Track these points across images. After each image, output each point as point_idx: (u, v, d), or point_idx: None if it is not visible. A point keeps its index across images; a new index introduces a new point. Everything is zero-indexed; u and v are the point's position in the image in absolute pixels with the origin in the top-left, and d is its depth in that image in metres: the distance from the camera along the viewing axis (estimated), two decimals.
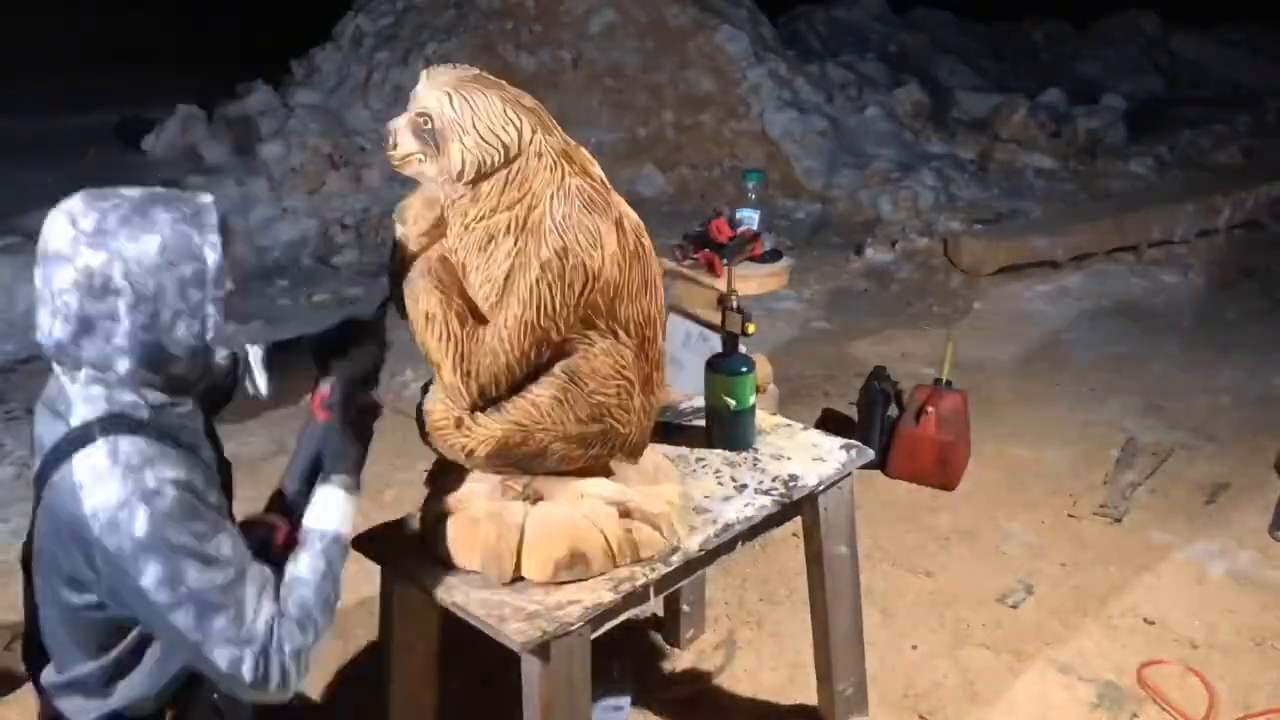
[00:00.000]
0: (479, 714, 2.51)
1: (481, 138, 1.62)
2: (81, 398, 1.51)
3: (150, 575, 1.39)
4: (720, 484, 2.13)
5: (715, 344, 2.52)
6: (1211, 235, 6.46)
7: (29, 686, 2.65)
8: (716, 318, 2.52)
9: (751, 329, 2.32)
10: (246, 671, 1.41)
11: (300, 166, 6.77)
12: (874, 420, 3.71)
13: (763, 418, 2.36)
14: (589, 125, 7.65)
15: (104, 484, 1.41)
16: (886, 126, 8.30)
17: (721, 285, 3.35)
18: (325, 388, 1.66)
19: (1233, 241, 6.48)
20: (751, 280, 3.41)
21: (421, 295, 1.67)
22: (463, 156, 1.63)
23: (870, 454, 2.28)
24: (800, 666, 2.66)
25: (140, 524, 1.38)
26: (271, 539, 1.57)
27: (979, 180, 7.63)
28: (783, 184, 7.48)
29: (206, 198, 1.53)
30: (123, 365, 1.48)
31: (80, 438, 1.47)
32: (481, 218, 1.67)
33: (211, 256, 1.47)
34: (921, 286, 5.77)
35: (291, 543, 1.56)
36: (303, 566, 1.52)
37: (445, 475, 1.93)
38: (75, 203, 1.50)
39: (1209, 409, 4.25)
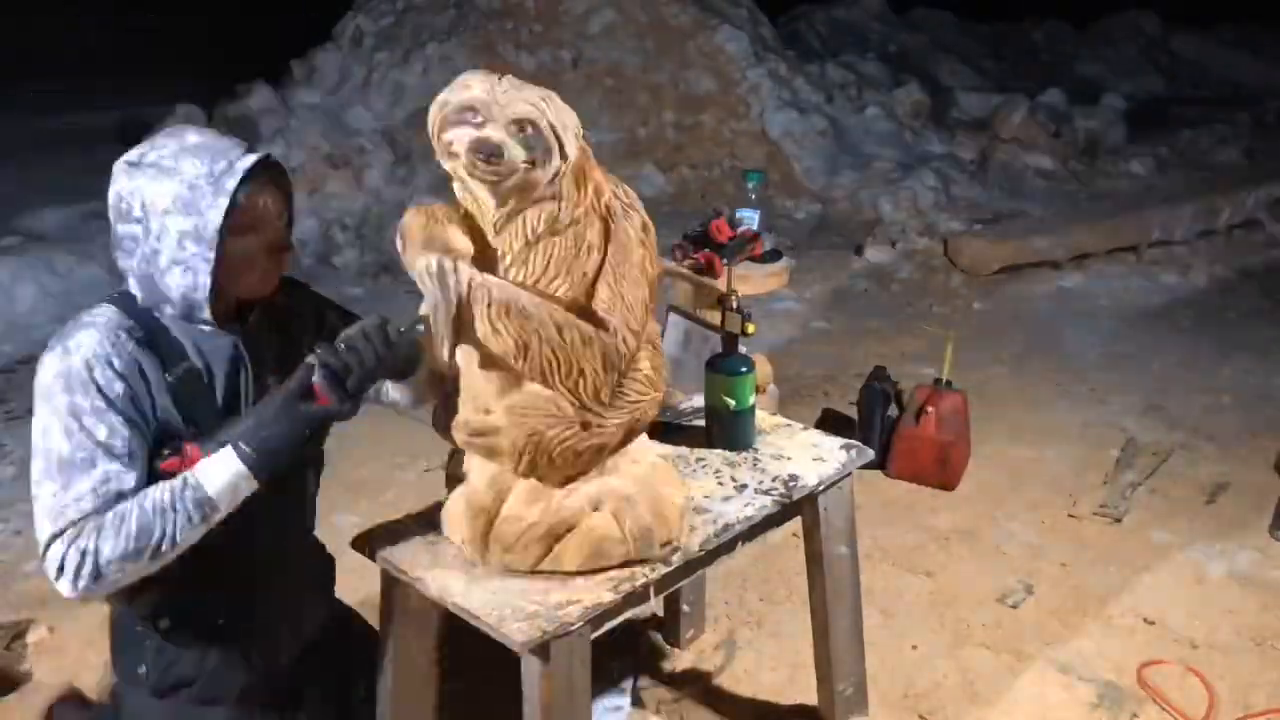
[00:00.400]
0: (479, 714, 2.52)
1: (576, 135, 1.64)
2: None
3: (36, 415, 1.66)
4: (720, 484, 2.13)
5: (715, 344, 2.52)
6: (1211, 235, 6.47)
7: (29, 686, 2.66)
8: (716, 318, 2.52)
9: (751, 329, 2.32)
10: (41, 541, 1.60)
11: (300, 166, 6.77)
12: (874, 420, 3.71)
13: (763, 418, 2.36)
14: (589, 125, 7.56)
15: (62, 329, 1.67)
16: (886, 126, 8.30)
17: (722, 285, 3.35)
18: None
19: (1232, 241, 6.49)
20: (751, 280, 3.41)
21: (544, 308, 1.64)
22: (565, 158, 1.63)
23: (870, 454, 2.28)
24: (800, 666, 2.66)
25: (46, 369, 1.65)
26: (179, 455, 1.63)
27: (979, 180, 7.62)
28: (783, 184, 7.48)
29: (248, 159, 1.63)
30: (131, 285, 1.67)
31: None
32: (562, 220, 1.67)
33: (214, 217, 1.59)
34: (921, 286, 5.77)
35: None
36: (155, 491, 1.59)
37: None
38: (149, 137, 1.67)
39: (1209, 409, 4.25)
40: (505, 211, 1.66)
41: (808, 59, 8.88)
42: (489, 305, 1.61)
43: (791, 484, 2.13)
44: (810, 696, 2.49)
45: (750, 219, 3.58)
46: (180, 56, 10.72)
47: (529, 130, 1.60)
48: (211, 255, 1.61)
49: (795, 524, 2.25)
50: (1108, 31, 11.33)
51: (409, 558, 1.88)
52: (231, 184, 1.60)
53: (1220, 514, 3.45)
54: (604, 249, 1.71)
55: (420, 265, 1.62)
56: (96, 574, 1.56)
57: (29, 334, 4.87)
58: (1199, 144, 8.58)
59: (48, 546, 1.59)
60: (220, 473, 1.60)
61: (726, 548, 2.01)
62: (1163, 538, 3.30)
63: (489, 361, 1.70)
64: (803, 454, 2.24)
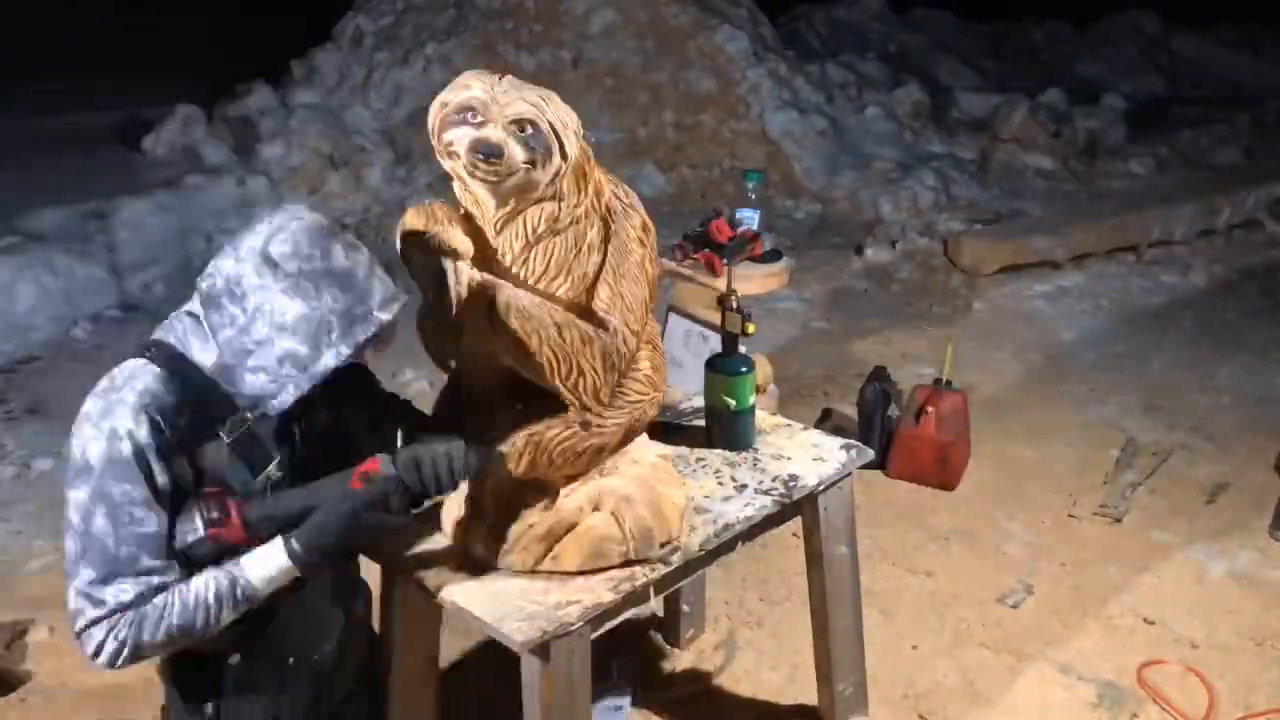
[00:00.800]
0: (479, 714, 2.52)
1: (575, 134, 1.64)
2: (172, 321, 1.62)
3: (75, 491, 1.51)
4: (720, 484, 2.13)
5: (715, 344, 2.52)
6: (1211, 235, 6.46)
7: (29, 686, 2.66)
8: (716, 318, 2.52)
9: (751, 329, 2.32)
10: (77, 624, 1.51)
11: (300, 166, 6.77)
12: (874, 420, 3.71)
13: (763, 418, 2.36)
14: (589, 125, 7.51)
15: (100, 394, 1.54)
16: (886, 126, 8.29)
17: (721, 285, 3.35)
18: (381, 464, 1.59)
19: (1233, 241, 6.48)
20: (751, 280, 3.40)
21: (545, 308, 1.64)
22: (565, 158, 1.62)
23: (870, 454, 2.28)
24: (800, 666, 2.66)
25: (90, 447, 1.50)
26: (222, 520, 1.57)
27: (979, 180, 7.62)
28: (783, 184, 7.48)
29: (384, 313, 1.56)
30: (208, 356, 1.57)
31: (140, 346, 1.59)
32: (571, 218, 1.67)
33: (328, 362, 1.54)
34: (921, 286, 5.77)
35: (229, 540, 1.57)
36: (198, 584, 1.54)
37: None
38: (296, 220, 1.56)
39: (1209, 409, 4.25)
40: (505, 212, 1.66)
41: (808, 59, 8.87)
42: (489, 305, 1.61)
43: (791, 484, 2.13)
44: (810, 696, 2.49)
45: (750, 219, 3.57)
46: (180, 56, 10.71)
47: (528, 130, 1.59)
48: (308, 387, 1.55)
49: (795, 524, 2.25)
50: (1108, 31, 11.32)
51: (409, 558, 1.88)
52: (362, 338, 1.54)
53: (1220, 514, 3.45)
54: (604, 249, 1.71)
55: (420, 265, 1.63)
56: (135, 658, 1.54)
57: (29, 334, 4.87)
58: (1199, 144, 8.57)
59: (86, 628, 1.51)
60: (267, 567, 1.57)
61: (726, 548, 2.01)
62: (1163, 538, 3.31)
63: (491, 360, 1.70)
64: (803, 454, 2.24)
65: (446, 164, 1.66)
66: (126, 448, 1.49)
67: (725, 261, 3.31)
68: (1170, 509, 3.48)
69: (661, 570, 1.84)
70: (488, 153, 1.58)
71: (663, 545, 1.85)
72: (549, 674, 1.71)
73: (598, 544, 1.79)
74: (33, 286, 4.99)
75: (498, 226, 1.68)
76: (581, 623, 1.72)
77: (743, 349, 2.36)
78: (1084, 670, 2.69)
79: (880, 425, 3.71)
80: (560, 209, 1.67)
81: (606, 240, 1.71)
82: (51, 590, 3.06)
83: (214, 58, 10.10)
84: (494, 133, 1.59)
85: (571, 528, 1.79)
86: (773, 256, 3.51)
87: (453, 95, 1.62)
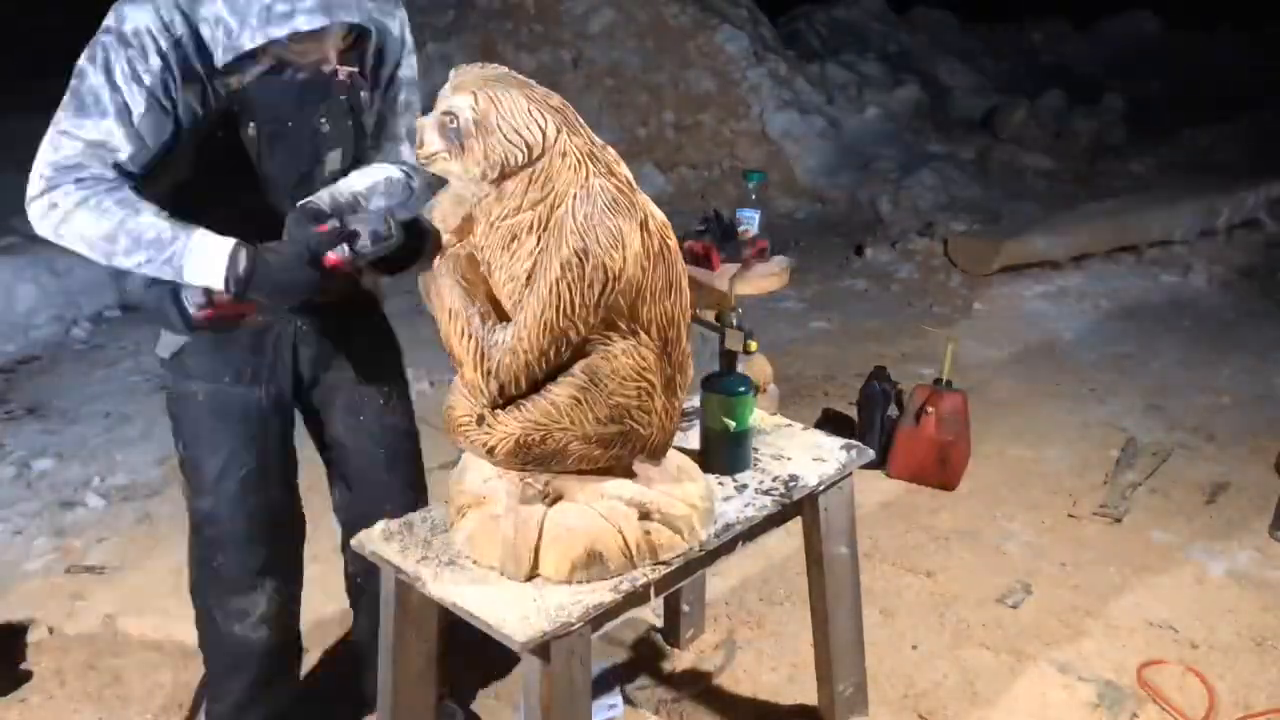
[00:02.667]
0: (479, 714, 2.52)
1: (505, 136, 1.61)
2: None
3: (78, 64, 1.73)
4: (720, 484, 2.12)
5: (714, 343, 2.51)
6: (1211, 235, 6.47)
7: (29, 686, 2.66)
8: (714, 316, 2.52)
9: (754, 346, 2.31)
10: (36, 164, 1.76)
11: None
12: (874, 420, 3.71)
13: (763, 417, 2.36)
14: (589, 125, 7.63)
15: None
16: (886, 126, 8.30)
17: (720, 284, 3.35)
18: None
19: (1233, 241, 6.48)
20: (751, 280, 3.41)
21: (446, 291, 1.70)
22: (485, 155, 1.62)
23: (870, 454, 2.28)
24: (800, 666, 2.66)
25: (101, 29, 1.73)
26: (211, 306, 1.81)
27: (979, 180, 7.62)
28: (783, 184, 7.49)
29: (308, 22, 1.70)
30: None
31: None
32: (505, 216, 1.67)
33: (245, 39, 1.73)
34: (921, 286, 5.77)
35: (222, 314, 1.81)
36: (143, 223, 1.70)
37: (471, 470, 1.92)
38: None
39: (1209, 409, 4.25)
40: (484, 189, 1.70)
41: (808, 59, 8.88)
42: (430, 279, 1.74)
43: (792, 484, 2.13)
44: (810, 696, 2.49)
45: (750, 219, 3.58)
46: None
47: (451, 123, 1.63)
48: (229, 59, 1.73)
49: (795, 524, 2.25)
50: (1108, 31, 11.33)
51: (409, 558, 1.88)
52: (276, 33, 1.69)
53: (1220, 514, 3.45)
54: (534, 258, 1.68)
55: (430, 202, 1.81)
56: (55, 232, 1.75)
57: (29, 334, 4.88)
58: (1199, 144, 8.58)
59: (40, 173, 1.75)
60: (204, 269, 1.73)
61: (727, 548, 2.01)
62: (1163, 538, 3.31)
63: None
64: (803, 454, 2.24)
65: None
66: (127, 27, 1.70)
67: (724, 257, 3.31)
68: (1170, 509, 3.48)
69: (662, 570, 1.84)
70: (412, 137, 1.74)
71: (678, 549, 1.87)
72: (549, 674, 1.71)
73: (615, 545, 1.81)
74: (33, 286, 5.00)
75: (478, 200, 1.72)
76: (581, 623, 1.72)
77: (741, 367, 2.33)
78: (1084, 670, 2.69)
79: (880, 425, 3.71)
80: (496, 208, 1.69)
81: (539, 250, 1.68)
82: (52, 590, 3.07)
83: None
84: (429, 118, 1.66)
85: (590, 528, 1.80)
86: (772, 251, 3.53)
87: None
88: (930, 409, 3.58)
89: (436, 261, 1.74)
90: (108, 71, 1.70)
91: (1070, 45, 11.20)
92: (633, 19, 7.99)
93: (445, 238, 1.75)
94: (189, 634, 2.27)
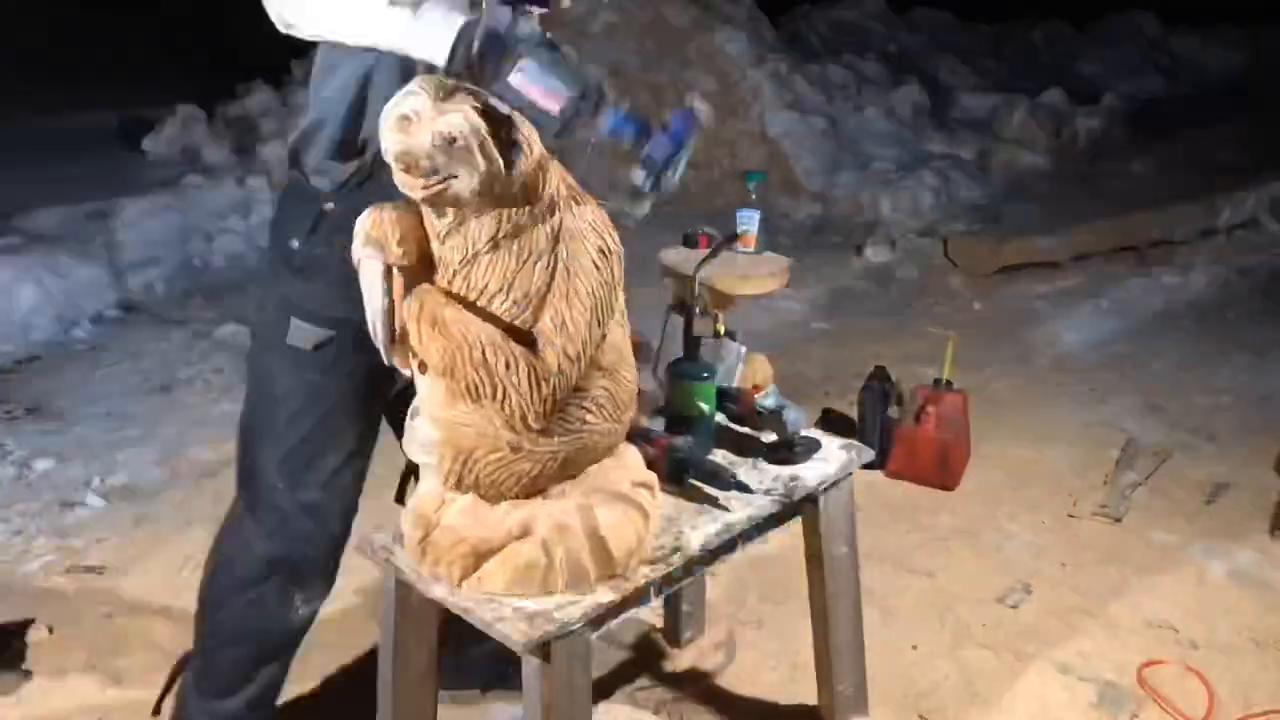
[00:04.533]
0: (480, 715, 2.52)
1: (527, 147, 1.58)
2: None
3: None
4: (721, 484, 2.12)
5: (721, 346, 2.50)
6: (1212, 235, 6.46)
7: (29, 686, 2.66)
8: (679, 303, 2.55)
9: (722, 329, 2.33)
10: None
11: None
12: (874, 420, 3.71)
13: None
14: None
15: None
16: (886, 126, 8.29)
17: (686, 269, 3.33)
18: None
19: (1233, 241, 6.48)
20: (751, 281, 3.39)
21: (471, 327, 1.59)
22: (492, 170, 1.55)
23: (870, 454, 2.28)
24: (800, 666, 2.66)
25: None
26: None
27: (979, 180, 7.61)
28: (783, 184, 7.47)
29: None
30: None
31: None
32: (506, 235, 1.61)
33: None
34: (921, 287, 5.77)
35: None
36: None
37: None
38: None
39: (1209, 409, 4.25)
40: (448, 222, 1.60)
41: (808, 59, 8.87)
42: (416, 317, 1.59)
43: (792, 484, 2.13)
44: (810, 696, 2.49)
45: (750, 219, 3.57)
46: (180, 56, 10.72)
47: (455, 143, 1.52)
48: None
49: (795, 524, 2.25)
50: (1108, 31, 11.32)
51: (409, 557, 1.88)
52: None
53: (1220, 514, 3.45)
54: (552, 267, 1.65)
55: (359, 266, 1.64)
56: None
57: (29, 334, 4.88)
58: (1199, 144, 8.57)
59: None
60: (435, 37, 1.69)
61: (727, 548, 2.01)
62: (1163, 538, 3.31)
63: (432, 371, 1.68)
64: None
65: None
66: None
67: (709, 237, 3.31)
68: (1170, 509, 3.48)
69: (662, 570, 1.84)
70: (405, 164, 1.53)
71: (604, 579, 1.79)
72: (549, 674, 1.71)
73: (524, 570, 1.73)
74: (33, 287, 5.00)
75: (441, 236, 1.62)
76: (582, 623, 1.72)
77: (740, 365, 2.36)
78: (1084, 670, 2.69)
79: (880, 425, 3.71)
80: (503, 220, 1.61)
81: (555, 259, 1.65)
82: (52, 590, 3.07)
83: (213, 58, 10.11)
84: (419, 144, 1.52)
85: (498, 549, 1.74)
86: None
87: (397, 100, 1.57)
88: (930, 409, 3.58)
89: (409, 303, 1.60)
90: None
91: (1070, 45, 11.19)
92: (633, 19, 7.98)
93: (394, 259, 1.62)
94: (190, 635, 2.26)
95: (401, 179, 1.55)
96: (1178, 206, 6.42)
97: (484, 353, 1.59)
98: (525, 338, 1.64)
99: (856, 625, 2.39)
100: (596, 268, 1.67)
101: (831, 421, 4.09)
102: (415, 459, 1.81)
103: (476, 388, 1.61)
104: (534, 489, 1.77)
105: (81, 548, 3.27)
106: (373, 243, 1.62)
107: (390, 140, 1.55)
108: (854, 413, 3.96)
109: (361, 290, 1.65)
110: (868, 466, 2.46)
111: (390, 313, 1.64)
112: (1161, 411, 4.23)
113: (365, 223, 1.63)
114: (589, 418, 1.74)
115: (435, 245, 1.64)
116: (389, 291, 1.63)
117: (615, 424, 1.79)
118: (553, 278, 1.65)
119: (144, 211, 5.96)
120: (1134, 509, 3.47)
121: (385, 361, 1.69)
